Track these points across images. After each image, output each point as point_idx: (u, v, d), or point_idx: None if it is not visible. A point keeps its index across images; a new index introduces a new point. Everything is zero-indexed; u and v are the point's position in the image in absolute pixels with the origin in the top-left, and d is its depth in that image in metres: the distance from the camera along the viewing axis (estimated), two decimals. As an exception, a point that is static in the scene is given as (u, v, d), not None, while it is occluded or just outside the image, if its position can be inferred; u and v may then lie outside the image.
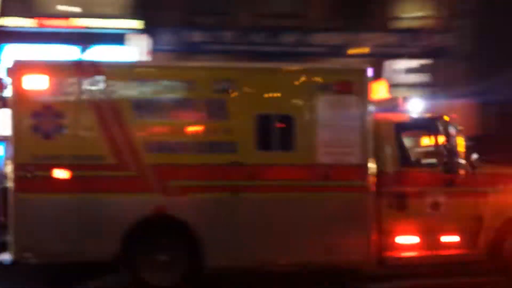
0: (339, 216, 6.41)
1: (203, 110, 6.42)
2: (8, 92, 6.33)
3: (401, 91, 20.35)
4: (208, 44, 18.29)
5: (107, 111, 6.27)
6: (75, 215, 6.10)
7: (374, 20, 19.81)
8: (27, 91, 6.20)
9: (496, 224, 6.74)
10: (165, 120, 6.41)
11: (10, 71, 6.27)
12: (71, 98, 6.30)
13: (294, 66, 7.63)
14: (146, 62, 7.00)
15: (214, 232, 6.21)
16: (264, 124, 6.43)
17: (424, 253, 6.68)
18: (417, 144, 7.44)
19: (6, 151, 6.66)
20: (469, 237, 6.73)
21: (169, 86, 6.56)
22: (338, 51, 18.94)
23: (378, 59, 19.40)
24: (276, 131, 6.52)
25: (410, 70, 21.15)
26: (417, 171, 6.90)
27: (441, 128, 6.75)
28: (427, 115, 7.14)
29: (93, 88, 6.30)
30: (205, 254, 6.21)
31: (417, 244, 6.63)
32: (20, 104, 6.17)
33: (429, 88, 19.89)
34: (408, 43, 19.89)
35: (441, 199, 6.68)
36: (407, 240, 6.60)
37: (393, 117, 6.91)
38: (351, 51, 18.60)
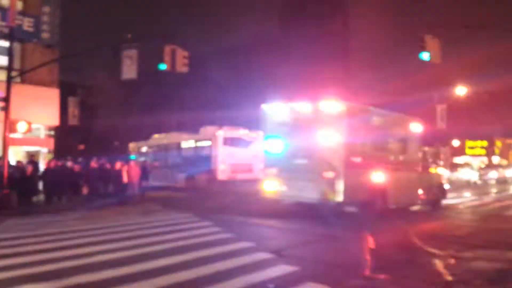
0: (415, 182, 15.31)
1: (384, 133, 14.41)
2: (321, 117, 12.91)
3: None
4: None
5: (367, 130, 13.62)
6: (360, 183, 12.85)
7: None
8: (342, 117, 12.68)
9: (425, 185, 16.02)
10: (374, 136, 13.82)
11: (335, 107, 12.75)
12: (359, 124, 13.16)
13: (404, 116, 16.34)
14: (373, 108, 14.79)
15: (391, 189, 13.58)
16: (399, 141, 15.22)
17: None
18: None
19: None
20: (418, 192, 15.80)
21: (375, 121, 14.36)
22: None
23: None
24: (401, 145, 15.27)
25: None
26: None
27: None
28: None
29: (363, 119, 13.49)
30: (388, 200, 13.63)
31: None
32: (340, 124, 12.65)
33: (13, 71, 17.89)
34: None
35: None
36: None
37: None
38: None
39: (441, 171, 18.13)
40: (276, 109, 14.28)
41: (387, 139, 14.55)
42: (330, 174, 12.38)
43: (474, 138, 72.11)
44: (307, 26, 58.77)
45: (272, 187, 13.97)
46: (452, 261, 7.96)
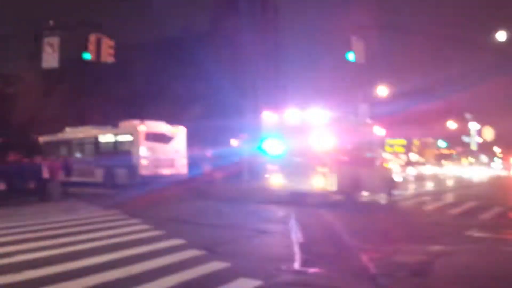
0: (377, 176, 17.43)
1: (357, 135, 17.47)
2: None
3: None
4: None
5: (347, 133, 16.98)
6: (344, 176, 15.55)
7: None
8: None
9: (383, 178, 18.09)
10: (352, 138, 17.02)
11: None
12: (342, 128, 16.71)
13: (368, 123, 19.93)
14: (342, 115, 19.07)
15: (362, 181, 16.24)
16: (367, 142, 17.89)
17: None
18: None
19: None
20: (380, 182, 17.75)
21: (352, 125, 18.50)
22: None
23: None
24: (368, 145, 18.04)
25: None
26: None
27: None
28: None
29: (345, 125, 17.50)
30: (361, 190, 16.98)
31: None
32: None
33: None
34: None
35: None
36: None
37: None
38: None
39: (393, 166, 21.02)
40: (275, 115, 17.01)
41: (360, 140, 17.32)
42: (323, 169, 15.30)
43: (394, 136, 75.93)
44: (237, 23, 58.98)
45: (274, 180, 16.80)
46: (377, 254, 8.29)
